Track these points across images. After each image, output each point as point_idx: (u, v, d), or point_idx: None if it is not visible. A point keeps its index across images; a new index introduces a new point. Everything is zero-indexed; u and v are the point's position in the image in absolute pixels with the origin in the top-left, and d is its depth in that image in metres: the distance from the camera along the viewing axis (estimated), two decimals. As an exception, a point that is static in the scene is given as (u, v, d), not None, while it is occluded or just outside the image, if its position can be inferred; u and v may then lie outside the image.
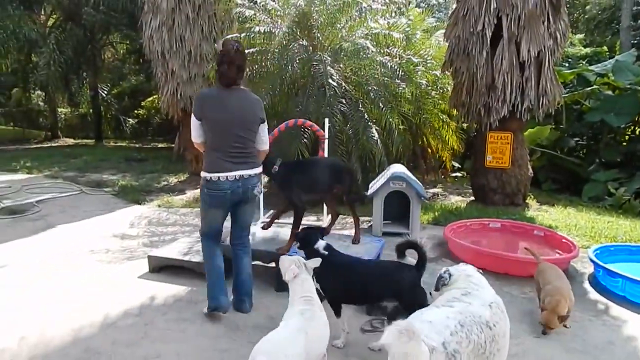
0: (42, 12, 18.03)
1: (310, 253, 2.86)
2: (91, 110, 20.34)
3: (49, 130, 20.81)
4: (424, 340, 1.73)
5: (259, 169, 3.22)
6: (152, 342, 2.92)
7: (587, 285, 3.91)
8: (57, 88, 15.94)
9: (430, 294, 2.54)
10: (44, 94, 20.34)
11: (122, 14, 14.59)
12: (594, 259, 3.93)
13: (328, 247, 2.94)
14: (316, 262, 2.51)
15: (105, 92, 20.77)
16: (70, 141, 19.48)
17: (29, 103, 21.88)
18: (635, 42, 15.89)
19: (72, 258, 4.57)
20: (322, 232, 3.17)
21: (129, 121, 21.86)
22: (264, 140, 3.24)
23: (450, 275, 2.35)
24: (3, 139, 18.79)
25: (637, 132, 9.78)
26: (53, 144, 18.06)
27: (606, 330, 3.11)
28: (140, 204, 7.24)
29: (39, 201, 7.08)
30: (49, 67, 14.34)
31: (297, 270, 2.42)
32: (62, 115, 23.10)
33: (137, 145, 17.80)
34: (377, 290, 2.74)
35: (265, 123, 3.22)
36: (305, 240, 2.99)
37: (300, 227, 3.74)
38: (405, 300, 2.63)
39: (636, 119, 9.50)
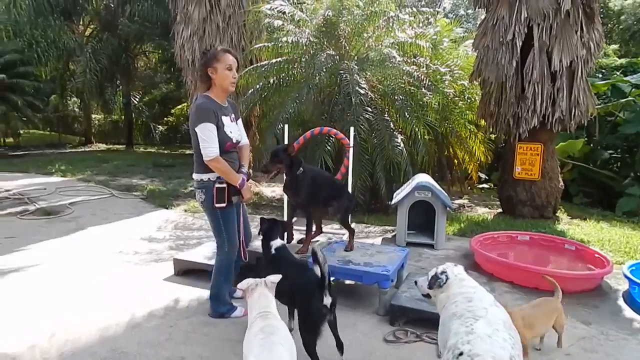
0: (81, 23, 18.89)
1: (264, 247, 2.94)
2: (123, 117, 21.08)
3: (83, 136, 21.64)
4: (493, 357, 1.64)
5: (196, 175, 3.11)
6: (176, 344, 2.96)
7: (621, 302, 3.74)
8: (92, 95, 16.62)
9: (416, 282, 2.54)
10: (79, 100, 21.22)
11: (156, 24, 15.10)
12: (629, 275, 3.75)
13: (281, 247, 2.93)
14: (277, 277, 2.37)
15: (137, 99, 21.52)
16: (103, 146, 20.16)
17: (65, 109, 22.85)
18: (674, 52, 15.32)
19: (101, 258, 4.70)
20: (284, 227, 3.16)
21: (158, 128, 22.49)
22: (200, 147, 2.99)
23: (447, 277, 2.30)
24: (40, 143, 19.64)
25: (675, 146, 9.38)
26: (86, 149, 18.73)
27: (642, 350, 2.96)
28: (167, 208, 7.40)
29: (71, 203, 7.34)
30: (85, 75, 14.96)
31: (254, 285, 2.34)
32: (96, 122, 24.03)
33: (165, 152, 18.25)
34: (292, 296, 2.68)
35: (197, 128, 2.95)
36: (266, 232, 2.99)
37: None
38: (298, 308, 2.63)
39: (675, 131, 9.12)
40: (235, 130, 3.19)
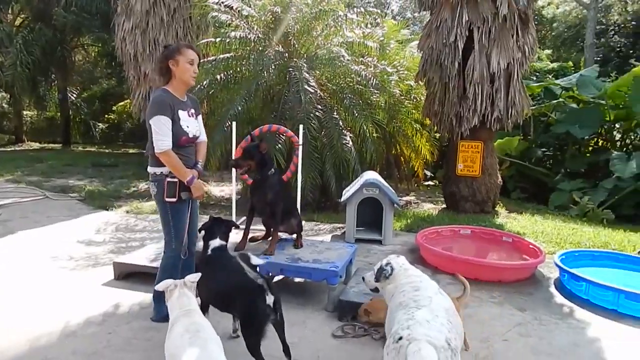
0: (10, 11, 17.47)
1: (204, 246, 2.90)
2: (59, 114, 19.76)
3: (13, 134, 20.07)
4: (429, 340, 1.72)
5: (150, 168, 3.05)
6: (115, 351, 2.80)
7: (553, 289, 4.00)
8: (23, 90, 15.38)
9: (363, 278, 2.61)
10: (8, 95, 19.61)
11: (95, 16, 14.28)
12: (560, 264, 4.03)
13: (220, 248, 2.88)
14: (196, 276, 2.39)
15: (75, 95, 20.22)
16: (36, 145, 18.84)
17: (-7, 105, 21.10)
18: (599, 58, 16.70)
19: (32, 265, 4.37)
20: (229, 227, 3.07)
21: (99, 126, 21.33)
22: (153, 139, 2.94)
23: (392, 269, 2.39)
24: (-37, 142, 18.00)
25: (600, 144, 10.19)
26: (17, 148, 17.42)
27: (571, 332, 3.18)
28: (107, 209, 7.02)
29: (-1, 206, 6.78)
30: (15, 68, 13.88)
31: (172, 286, 2.33)
32: (28, 119, 22.33)
33: (107, 151, 17.35)
34: (230, 300, 2.60)
35: (151, 120, 2.89)
36: (208, 230, 2.95)
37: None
38: (238, 311, 2.57)
39: (599, 131, 9.91)
40: (193, 125, 3.13)
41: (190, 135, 3.07)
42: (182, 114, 3.02)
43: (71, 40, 17.33)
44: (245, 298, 2.45)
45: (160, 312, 3.13)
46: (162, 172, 3.00)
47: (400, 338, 1.77)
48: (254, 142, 3.85)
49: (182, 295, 2.30)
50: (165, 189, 2.97)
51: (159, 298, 3.12)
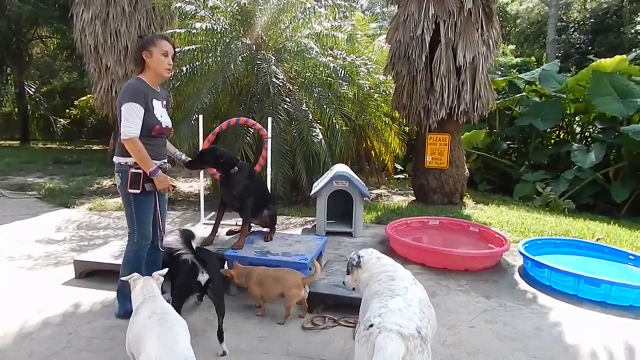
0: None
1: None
2: (16, 110, 18.84)
3: (-34, 130, 19.02)
4: (399, 330, 1.72)
5: (116, 158, 2.97)
6: (76, 351, 2.68)
7: (517, 276, 4.11)
8: (-25, 84, 14.59)
9: (344, 283, 2.62)
10: (-40, 90, 18.56)
11: (53, 6, 13.64)
12: (523, 251, 4.14)
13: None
14: (163, 272, 2.50)
15: (33, 89, 19.31)
16: (-8, 142, 17.90)
17: (-57, 100, 19.89)
18: (560, 54, 17.31)
19: (-14, 265, 4.13)
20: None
21: (60, 121, 20.47)
22: (121, 125, 2.85)
23: (359, 257, 2.41)
24: None
25: (561, 136, 10.57)
26: (-29, 145, 16.50)
27: (534, 317, 3.27)
28: (69, 207, 6.74)
29: (-51, 205, 6.39)
30: (-34, 60, 13.10)
31: (137, 277, 2.39)
32: (-17, 115, 21.20)
33: (68, 147, 16.67)
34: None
35: (122, 107, 2.81)
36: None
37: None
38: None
39: (560, 123, 10.27)
40: (166, 116, 3.08)
41: (164, 126, 3.01)
42: (156, 103, 2.97)
43: (27, 32, 16.52)
44: (179, 272, 2.80)
45: (124, 307, 3.04)
46: (127, 162, 2.92)
47: (371, 325, 1.77)
48: (211, 147, 3.80)
49: (147, 285, 2.32)
50: (129, 179, 2.89)
51: (123, 293, 3.05)
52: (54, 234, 5.27)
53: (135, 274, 2.41)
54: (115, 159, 2.97)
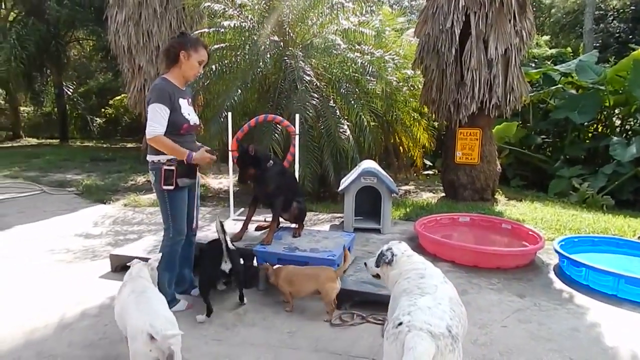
0: (3, 7, 17.30)
1: None
2: (56, 109, 19.65)
3: (10, 130, 19.97)
4: (429, 328, 1.70)
5: (149, 157, 3.04)
6: (112, 342, 2.78)
7: (552, 275, 3.98)
8: (18, 85, 15.27)
9: (365, 264, 2.63)
10: (4, 91, 19.49)
11: (89, 9, 14.12)
12: (559, 250, 4.01)
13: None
14: (158, 257, 2.83)
15: (71, 90, 20.06)
16: (33, 141, 18.77)
17: (-11, 101, 21.00)
18: (598, 44, 16.56)
19: (29, 258, 4.34)
20: None
21: (96, 120, 21.21)
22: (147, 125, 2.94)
23: (393, 254, 2.37)
24: (-40, 139, 17.92)
25: (599, 130, 10.13)
26: (14, 144, 17.36)
27: (570, 318, 3.16)
28: (105, 203, 6.99)
29: (-5, 201, 6.75)
30: (9, 63, 13.74)
31: (134, 263, 2.66)
32: (25, 115, 22.20)
33: (104, 145, 17.26)
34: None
35: (149, 107, 2.90)
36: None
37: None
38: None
39: (598, 116, 9.84)
40: (193, 113, 3.16)
41: (192, 123, 3.09)
42: (182, 102, 3.04)
43: (65, 34, 17.16)
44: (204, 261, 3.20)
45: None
46: (159, 160, 3.00)
47: (401, 323, 1.75)
48: (241, 148, 3.83)
49: (138, 268, 2.58)
50: (162, 176, 2.97)
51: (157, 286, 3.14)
52: (92, 228, 5.48)
53: (135, 260, 2.69)
54: (149, 158, 3.05)
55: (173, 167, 2.97)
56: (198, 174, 3.23)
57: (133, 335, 2.11)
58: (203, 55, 3.06)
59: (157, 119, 2.89)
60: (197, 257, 3.79)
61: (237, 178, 3.87)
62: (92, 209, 6.65)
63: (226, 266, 3.01)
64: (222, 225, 3.02)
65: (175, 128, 2.96)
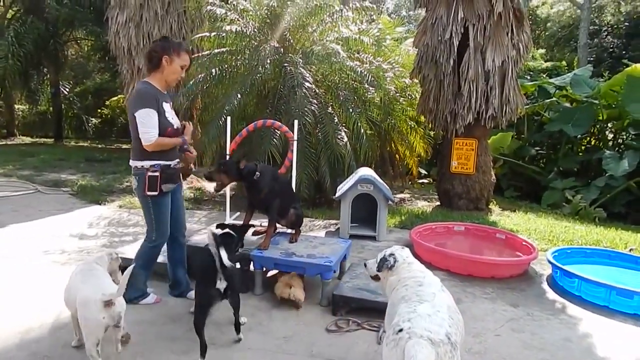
0: (1, 4, 17.24)
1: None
2: (51, 108, 19.53)
3: (4, 128, 19.82)
4: (429, 335, 1.72)
5: (132, 162, 3.08)
6: (108, 343, 2.77)
7: (545, 285, 4.03)
8: (14, 83, 15.16)
9: (365, 264, 2.64)
10: (0, 89, 19.37)
11: (88, 9, 14.11)
12: (552, 260, 4.06)
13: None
14: (121, 251, 3.12)
15: (67, 89, 19.97)
16: (28, 140, 18.63)
17: (-17, 98, 20.81)
18: (592, 58, 16.81)
19: (24, 258, 4.32)
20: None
21: (91, 121, 21.11)
22: (139, 132, 2.96)
23: (395, 260, 2.40)
24: (-48, 136, 17.75)
25: (592, 143, 10.27)
26: (8, 142, 17.21)
27: (563, 328, 3.20)
28: (100, 204, 6.97)
29: (-11, 199, 6.70)
30: (6, 60, 13.66)
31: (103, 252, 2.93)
32: (20, 113, 22.05)
33: (99, 146, 17.18)
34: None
35: (137, 113, 2.91)
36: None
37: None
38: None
39: (592, 130, 9.99)
40: (174, 117, 3.19)
41: (175, 127, 3.13)
42: (166, 106, 3.08)
43: (64, 33, 17.08)
44: (199, 279, 2.83)
45: (129, 295, 3.15)
46: (143, 166, 3.03)
47: (401, 330, 1.77)
48: (233, 160, 3.82)
49: (97, 256, 2.82)
50: (147, 182, 3.00)
51: (131, 282, 3.14)
52: (87, 229, 5.46)
53: (105, 251, 2.95)
54: (132, 163, 3.07)
55: (157, 173, 3.00)
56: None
57: (85, 303, 2.30)
58: (185, 60, 3.10)
59: (150, 124, 2.93)
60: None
61: (205, 174, 3.72)
62: (87, 209, 6.63)
63: (221, 285, 2.60)
64: (216, 236, 2.66)
65: (161, 131, 2.99)
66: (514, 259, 4.52)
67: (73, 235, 5.13)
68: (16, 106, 21.04)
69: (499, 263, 4.38)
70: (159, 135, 2.98)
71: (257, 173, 3.63)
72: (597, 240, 5.40)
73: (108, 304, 2.27)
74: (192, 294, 3.40)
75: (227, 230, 3.09)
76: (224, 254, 2.51)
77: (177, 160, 3.21)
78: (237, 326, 2.81)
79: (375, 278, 2.54)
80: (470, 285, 3.92)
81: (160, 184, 3.01)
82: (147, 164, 3.01)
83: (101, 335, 2.32)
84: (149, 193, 3.00)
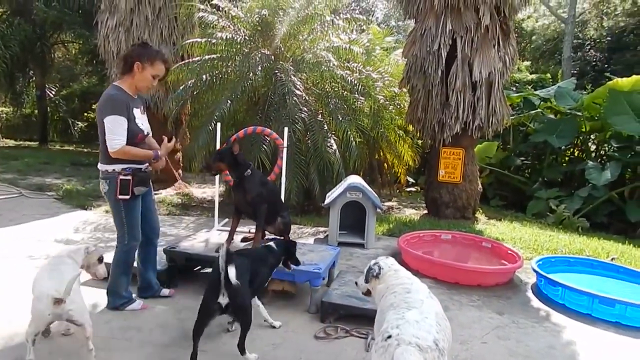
0: (-13, 5, 17.01)
1: None
2: (36, 111, 19.26)
3: (-13, 130, 19.50)
4: (417, 342, 1.73)
5: (101, 166, 3.07)
6: (95, 351, 2.74)
7: (530, 293, 4.10)
8: (0, 85, 14.94)
9: (356, 283, 2.66)
10: (-17, 91, 19.04)
11: (77, 12, 14.00)
12: (537, 269, 4.13)
13: None
14: (98, 246, 3.11)
15: (54, 92, 19.73)
16: (11, 142, 18.35)
17: (-34, 100, 20.46)
18: (575, 71, 17.22)
19: (7, 263, 4.24)
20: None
21: (77, 124, 20.86)
22: (106, 138, 2.95)
23: (380, 268, 2.44)
24: None
25: (576, 154, 10.51)
26: (-9, 145, 16.90)
27: (547, 335, 3.26)
28: (86, 209, 6.89)
29: (-29, 203, 6.57)
30: (-9, 62, 13.47)
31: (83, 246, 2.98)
32: (4, 115, 21.69)
33: (85, 150, 16.98)
34: None
35: (106, 119, 2.90)
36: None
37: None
38: None
39: (575, 141, 10.22)
40: (146, 122, 3.22)
41: (145, 133, 3.16)
42: (136, 111, 3.09)
43: (51, 36, 16.90)
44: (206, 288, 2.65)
45: (113, 303, 3.29)
46: (114, 170, 3.03)
47: (389, 337, 1.79)
48: (227, 145, 3.85)
49: (73, 249, 2.89)
50: (118, 186, 3.00)
51: (113, 291, 3.28)
52: (72, 234, 5.39)
53: (82, 244, 3.01)
54: (101, 167, 3.07)
55: (129, 178, 3.01)
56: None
57: (39, 296, 2.40)
58: (159, 69, 3.09)
59: (118, 131, 2.93)
60: (182, 266, 3.81)
61: (204, 164, 3.80)
62: (72, 214, 6.54)
63: (223, 300, 2.52)
64: (228, 252, 2.49)
65: (131, 138, 3.01)
66: (499, 267, 4.59)
67: (58, 241, 5.05)
68: (0, 108, 20.70)
69: (485, 271, 4.44)
70: (130, 141, 2.98)
71: (249, 171, 3.66)
72: (580, 249, 5.52)
73: (58, 301, 2.33)
74: (165, 291, 3.53)
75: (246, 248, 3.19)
76: (231, 271, 2.42)
77: (147, 164, 3.21)
78: (240, 346, 2.62)
79: (367, 293, 2.57)
80: (457, 293, 3.97)
81: (132, 187, 3.02)
82: (118, 167, 3.01)
83: (42, 328, 2.47)
84: (120, 197, 3.01)
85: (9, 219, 5.96)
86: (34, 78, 17.94)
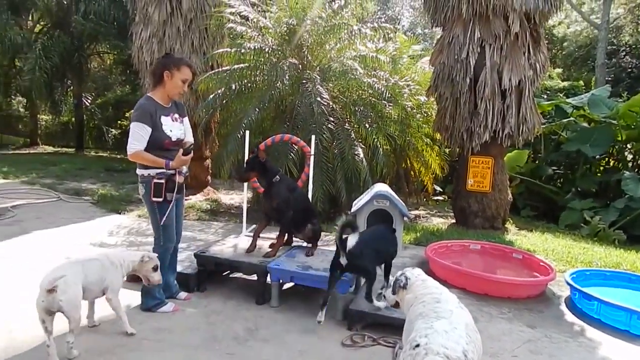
0: (30, 18, 17.92)
1: None
2: (73, 119, 20.07)
3: (28, 137, 20.40)
4: (445, 352, 1.73)
5: (139, 170, 3.28)
6: (128, 351, 2.84)
7: (563, 307, 3.98)
8: (40, 94, 15.67)
9: (384, 296, 2.72)
10: (25, 100, 19.98)
11: (112, 24, 14.59)
12: (571, 282, 4.01)
13: None
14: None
15: (89, 101, 20.54)
16: (50, 149, 19.12)
17: (9, 108, 21.49)
18: (610, 78, 16.67)
19: (46, 264, 4.40)
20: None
21: (111, 132, 21.59)
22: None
23: (407, 278, 2.44)
24: (-21, 144, 18.31)
25: (611, 164, 10.13)
26: (32, 151, 17.69)
27: (581, 351, 3.15)
28: (120, 213, 7.11)
29: (14, 206, 6.90)
30: (33, 72, 14.15)
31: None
32: (43, 123, 22.69)
33: (118, 156, 17.52)
34: None
35: (131, 125, 3.19)
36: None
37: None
38: None
39: (610, 150, 9.87)
40: (177, 128, 3.35)
41: (174, 139, 3.30)
42: (164, 119, 3.25)
43: (88, 47, 17.67)
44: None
45: (146, 304, 3.41)
46: (149, 174, 3.23)
47: (418, 345, 1.79)
48: (253, 154, 3.96)
49: (120, 256, 3.10)
50: (152, 189, 3.19)
51: (147, 291, 3.39)
52: (107, 238, 5.59)
53: (138, 253, 3.16)
54: (139, 171, 3.28)
55: (163, 181, 3.19)
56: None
57: (40, 284, 2.60)
58: (186, 74, 3.27)
59: (136, 137, 3.14)
60: (212, 271, 3.89)
61: (235, 175, 4.00)
62: (107, 218, 6.77)
63: (343, 260, 3.14)
64: (343, 223, 3.11)
65: (159, 144, 3.20)
66: (532, 279, 4.47)
67: (94, 244, 5.25)
68: (40, 116, 21.68)
69: (517, 283, 4.34)
70: (157, 147, 3.18)
71: (277, 177, 3.81)
72: (617, 263, 5.31)
73: (50, 290, 2.50)
74: (182, 294, 3.64)
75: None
76: (351, 240, 3.03)
77: (186, 171, 3.38)
78: (368, 296, 3.21)
79: (396, 305, 2.57)
80: (487, 305, 3.89)
81: (165, 191, 3.19)
82: (152, 172, 3.21)
83: (43, 316, 2.57)
84: (154, 199, 3.20)
85: (49, 221, 6.22)
86: (71, 87, 18.75)
